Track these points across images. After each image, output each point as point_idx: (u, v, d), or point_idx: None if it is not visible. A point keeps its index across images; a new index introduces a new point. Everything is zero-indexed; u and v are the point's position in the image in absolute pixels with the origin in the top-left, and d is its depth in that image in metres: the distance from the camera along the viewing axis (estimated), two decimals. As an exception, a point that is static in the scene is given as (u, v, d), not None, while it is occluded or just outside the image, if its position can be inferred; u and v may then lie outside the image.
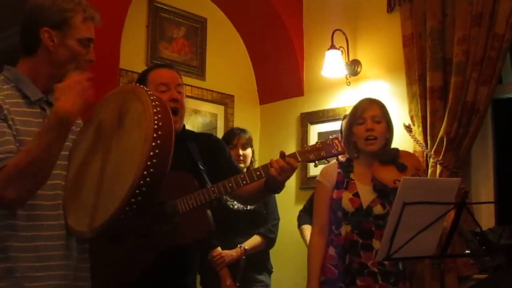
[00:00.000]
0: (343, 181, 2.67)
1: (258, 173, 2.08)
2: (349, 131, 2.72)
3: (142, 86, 1.85)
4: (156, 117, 1.66)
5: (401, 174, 2.58)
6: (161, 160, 1.64)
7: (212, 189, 2.11)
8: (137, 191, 1.61)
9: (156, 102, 1.71)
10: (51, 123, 1.67)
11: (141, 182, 1.61)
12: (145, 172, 1.61)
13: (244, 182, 2.08)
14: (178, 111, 2.25)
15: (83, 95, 1.69)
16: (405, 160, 2.67)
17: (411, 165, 2.65)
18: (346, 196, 2.62)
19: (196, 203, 2.09)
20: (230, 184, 2.09)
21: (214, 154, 2.39)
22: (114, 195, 1.65)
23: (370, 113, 2.67)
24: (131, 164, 1.64)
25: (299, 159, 2.09)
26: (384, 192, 2.60)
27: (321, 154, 2.09)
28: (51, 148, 1.66)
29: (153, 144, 1.62)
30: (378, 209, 2.58)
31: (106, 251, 2.10)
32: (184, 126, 2.40)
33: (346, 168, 2.70)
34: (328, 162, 2.31)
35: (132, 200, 1.62)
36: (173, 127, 1.74)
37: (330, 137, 2.14)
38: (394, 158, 2.66)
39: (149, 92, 1.75)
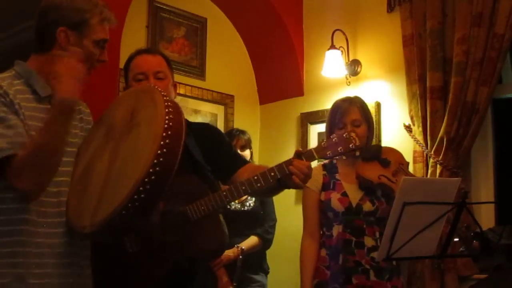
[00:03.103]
0: (330, 182, 2.68)
1: (272, 174, 1.95)
2: (330, 134, 2.70)
3: (156, 86, 1.84)
4: (167, 117, 1.66)
5: (385, 169, 2.60)
6: (168, 160, 1.63)
7: (224, 193, 1.98)
8: (141, 188, 1.60)
9: (169, 103, 1.71)
10: (55, 111, 1.69)
11: (146, 179, 1.59)
12: (151, 170, 1.59)
13: (258, 185, 1.95)
14: None
15: (78, 78, 1.70)
16: (388, 155, 2.69)
17: (394, 160, 2.67)
18: (335, 196, 2.63)
19: (208, 210, 1.97)
20: (243, 187, 1.97)
21: (214, 146, 2.28)
22: (118, 191, 1.64)
23: (350, 118, 2.66)
24: (138, 161, 1.64)
25: (316, 157, 1.98)
26: (370, 189, 2.61)
27: (339, 149, 1.97)
28: (57, 135, 1.68)
29: (162, 143, 1.61)
30: (367, 206, 2.60)
31: (117, 263, 2.02)
32: None
33: (330, 169, 2.72)
34: (346, 158, 2.25)
35: (135, 197, 1.60)
36: (185, 129, 1.71)
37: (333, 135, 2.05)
38: (376, 154, 2.67)
39: (162, 93, 1.75)
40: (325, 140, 2.00)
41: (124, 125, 1.80)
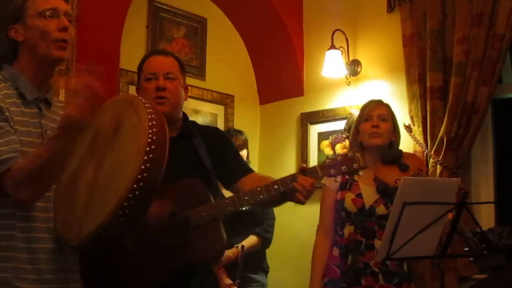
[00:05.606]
0: (347, 182, 2.69)
1: (275, 187, 1.99)
2: (355, 130, 2.75)
3: (140, 97, 1.84)
4: (150, 131, 1.66)
5: (403, 174, 2.60)
6: (152, 174, 1.64)
7: (227, 201, 2.01)
8: (125, 203, 1.61)
9: (153, 116, 1.70)
10: (60, 128, 1.66)
11: (130, 195, 1.61)
12: (134, 186, 1.61)
13: (261, 196, 1.99)
14: (164, 98, 2.16)
15: (92, 100, 1.65)
16: (408, 161, 2.70)
17: (413, 165, 2.67)
18: (349, 196, 2.64)
19: (209, 217, 1.99)
20: (246, 198, 2.00)
21: (222, 152, 2.29)
22: (102, 206, 1.66)
23: (378, 112, 2.73)
24: (122, 176, 1.65)
25: (320, 174, 2.00)
26: (387, 192, 2.61)
27: (342, 169, 1.99)
28: (60, 153, 1.67)
29: (145, 158, 1.62)
30: (381, 209, 2.59)
31: (114, 265, 2.01)
32: (187, 118, 2.33)
33: None
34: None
35: (120, 212, 1.62)
36: (168, 141, 1.72)
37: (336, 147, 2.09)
38: (397, 158, 2.68)
39: (146, 105, 1.75)
40: (329, 158, 2.02)
41: (109, 135, 1.79)
